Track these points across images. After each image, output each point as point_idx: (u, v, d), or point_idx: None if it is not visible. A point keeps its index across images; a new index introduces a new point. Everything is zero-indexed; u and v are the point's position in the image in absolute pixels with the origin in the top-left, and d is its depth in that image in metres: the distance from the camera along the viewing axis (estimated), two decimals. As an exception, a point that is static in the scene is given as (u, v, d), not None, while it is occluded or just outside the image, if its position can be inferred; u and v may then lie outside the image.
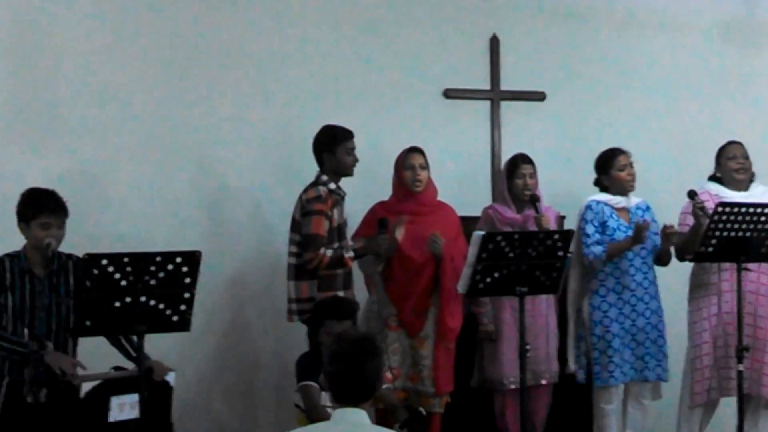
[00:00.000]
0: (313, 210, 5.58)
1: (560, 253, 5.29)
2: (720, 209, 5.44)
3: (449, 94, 6.69)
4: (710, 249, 5.52)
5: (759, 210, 5.46)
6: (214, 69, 6.23)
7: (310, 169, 5.76)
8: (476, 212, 6.16)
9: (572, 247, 5.72)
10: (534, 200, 5.92)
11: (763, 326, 5.89)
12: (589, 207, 6.00)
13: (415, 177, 5.85)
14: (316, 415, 4.96)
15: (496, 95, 6.79)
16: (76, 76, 5.98)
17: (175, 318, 4.51)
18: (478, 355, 6.08)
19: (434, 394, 5.80)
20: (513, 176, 6.03)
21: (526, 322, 5.30)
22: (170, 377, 4.77)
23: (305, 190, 5.66)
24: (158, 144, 6.11)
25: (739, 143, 6.07)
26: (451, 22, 6.74)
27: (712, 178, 6.08)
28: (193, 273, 4.49)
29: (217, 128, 6.23)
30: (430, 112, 6.65)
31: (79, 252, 4.78)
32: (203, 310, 5.36)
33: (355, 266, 5.83)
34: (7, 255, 4.86)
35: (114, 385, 4.60)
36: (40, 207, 4.81)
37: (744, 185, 6.00)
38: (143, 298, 4.39)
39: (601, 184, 6.10)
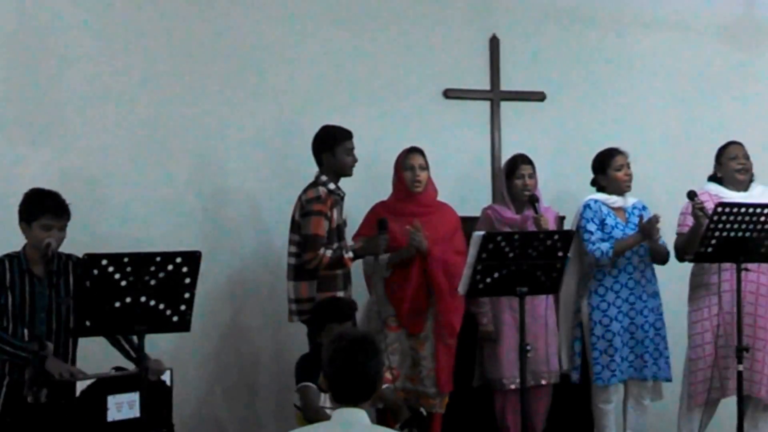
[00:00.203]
0: (312, 210, 5.58)
1: (560, 253, 5.30)
2: (719, 209, 5.44)
3: (449, 94, 6.69)
4: (710, 249, 5.52)
5: (758, 210, 5.46)
6: (213, 69, 6.23)
7: (309, 170, 5.76)
8: (476, 212, 6.17)
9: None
10: (533, 200, 5.93)
11: (763, 326, 5.89)
12: (587, 206, 6.01)
13: (415, 177, 5.85)
14: (312, 416, 4.96)
15: (496, 95, 6.79)
16: (77, 76, 5.98)
17: (175, 318, 4.50)
18: (478, 355, 6.08)
19: (434, 394, 5.80)
20: (512, 176, 6.03)
21: (526, 323, 5.30)
22: (166, 375, 4.76)
23: (305, 191, 5.66)
24: (158, 144, 6.11)
25: (740, 143, 6.07)
26: (451, 22, 6.74)
27: (712, 179, 6.09)
28: (193, 273, 4.49)
29: (217, 129, 6.23)
30: (430, 113, 6.65)
31: (79, 252, 4.78)
32: (203, 310, 5.36)
33: (355, 266, 5.83)
34: (7, 255, 4.86)
35: (111, 384, 4.59)
36: (43, 208, 4.81)
37: (744, 185, 6.00)
38: (143, 299, 4.39)
39: (598, 184, 6.11)
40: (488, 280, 5.21)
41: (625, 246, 5.91)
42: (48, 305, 4.81)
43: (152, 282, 4.40)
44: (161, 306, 4.45)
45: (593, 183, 6.15)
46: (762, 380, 5.87)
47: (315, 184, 5.68)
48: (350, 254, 5.66)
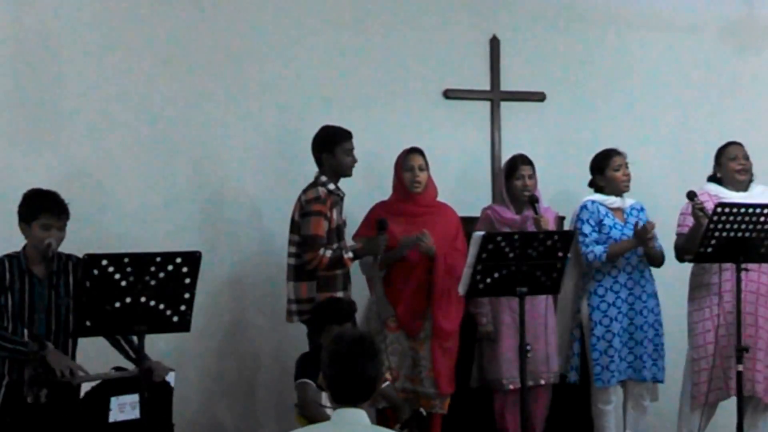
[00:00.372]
0: (312, 211, 5.58)
1: (560, 254, 5.30)
2: (719, 210, 5.44)
3: (449, 94, 6.69)
4: (710, 249, 5.52)
5: (758, 210, 5.46)
6: (213, 70, 6.23)
7: (309, 170, 5.76)
8: (476, 212, 6.17)
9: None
10: (533, 201, 5.92)
11: (764, 326, 5.89)
12: (584, 207, 6.01)
13: (414, 178, 5.85)
14: (309, 412, 4.98)
15: (496, 96, 6.79)
16: (77, 77, 5.98)
17: (175, 318, 4.51)
18: (477, 355, 6.08)
19: (435, 395, 5.80)
20: (512, 177, 6.03)
21: (526, 323, 5.30)
22: (170, 377, 4.77)
23: (304, 191, 5.67)
24: (158, 145, 6.11)
25: (740, 144, 6.07)
26: (451, 22, 6.74)
27: (712, 179, 6.09)
28: (193, 273, 4.49)
29: (218, 130, 6.23)
30: (430, 113, 6.65)
31: (80, 252, 4.79)
32: (203, 310, 5.37)
33: (354, 266, 5.84)
34: (7, 255, 4.86)
35: (114, 385, 4.60)
36: (42, 208, 4.81)
37: (743, 186, 6.01)
38: (143, 299, 4.39)
39: (596, 185, 6.11)
40: (488, 280, 5.21)
41: (620, 250, 5.91)
42: (47, 306, 4.81)
43: (152, 282, 4.40)
44: (161, 306, 4.45)
45: (591, 184, 6.15)
46: (762, 380, 5.87)
47: (315, 184, 5.68)
48: (350, 254, 5.66)
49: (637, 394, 6.08)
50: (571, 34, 6.97)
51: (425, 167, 5.90)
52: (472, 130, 6.76)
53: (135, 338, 4.60)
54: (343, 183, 5.76)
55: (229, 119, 6.25)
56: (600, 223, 5.98)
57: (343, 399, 3.39)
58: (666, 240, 6.03)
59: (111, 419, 4.57)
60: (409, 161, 5.88)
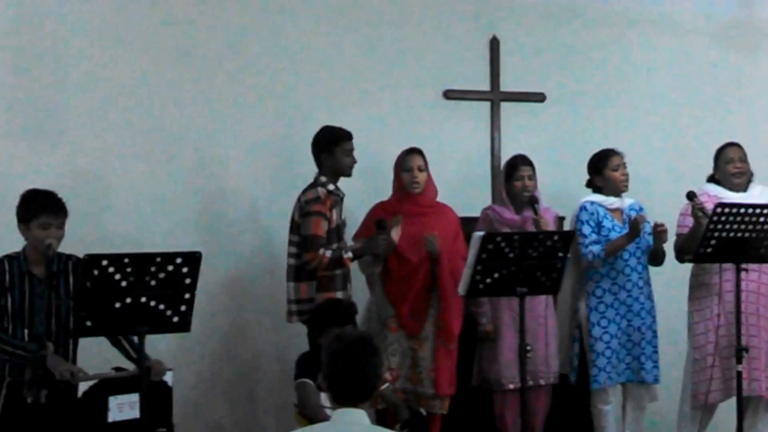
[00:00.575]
0: (311, 211, 5.58)
1: (560, 254, 5.30)
2: (719, 210, 5.44)
3: (449, 95, 6.70)
4: (709, 250, 5.52)
5: (758, 211, 5.47)
6: (213, 70, 6.24)
7: (309, 170, 5.77)
8: (476, 213, 6.17)
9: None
10: (533, 202, 5.93)
11: (764, 326, 5.90)
12: (583, 208, 6.01)
13: (413, 178, 5.86)
14: (309, 411, 4.98)
15: (496, 96, 6.79)
16: (77, 77, 5.98)
17: (175, 319, 4.51)
18: (477, 355, 6.09)
19: (434, 396, 5.80)
20: (512, 178, 6.03)
21: (526, 322, 5.30)
22: (168, 376, 4.77)
23: (304, 191, 5.67)
24: (158, 145, 6.12)
25: (737, 145, 6.06)
26: (451, 23, 6.75)
27: (711, 180, 6.09)
28: (194, 274, 4.50)
29: (217, 130, 6.24)
30: (430, 113, 6.66)
31: (80, 253, 4.80)
32: (203, 310, 5.36)
33: (354, 267, 5.84)
34: (7, 256, 4.86)
35: (113, 385, 4.60)
36: (40, 207, 4.81)
37: (742, 186, 6.01)
38: (143, 299, 4.40)
39: (594, 185, 6.11)
40: (488, 280, 5.22)
41: (616, 247, 5.91)
42: (48, 306, 4.81)
43: (153, 282, 4.40)
44: (161, 306, 4.45)
45: (589, 184, 6.14)
46: (763, 380, 5.88)
47: (314, 184, 5.68)
48: (349, 254, 5.67)
49: (637, 395, 6.08)
50: (571, 35, 6.98)
51: (424, 167, 5.90)
52: (472, 131, 6.77)
53: (135, 338, 4.60)
54: (343, 183, 5.77)
55: (229, 119, 6.26)
56: (599, 225, 5.98)
57: (343, 399, 3.39)
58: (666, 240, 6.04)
59: (110, 419, 4.57)
60: (408, 161, 5.89)
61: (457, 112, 6.72)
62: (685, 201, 5.82)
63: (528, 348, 5.26)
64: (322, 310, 5.32)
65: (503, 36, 6.82)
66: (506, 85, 6.81)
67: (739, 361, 5.51)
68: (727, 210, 5.44)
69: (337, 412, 3.40)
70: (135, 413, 4.54)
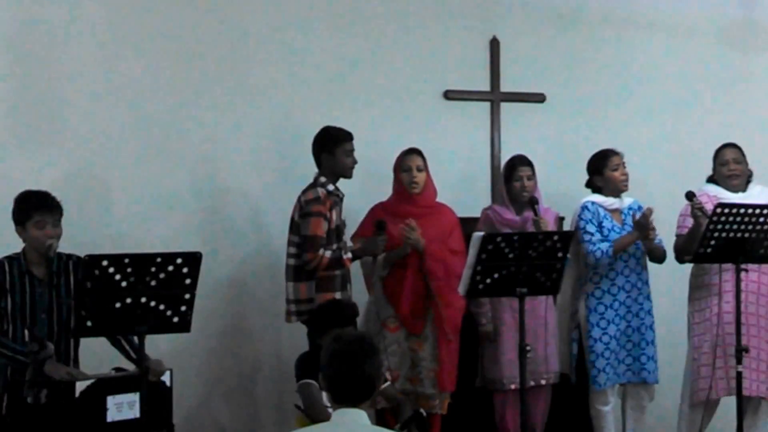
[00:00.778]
0: (311, 211, 5.58)
1: (560, 254, 5.31)
2: (719, 210, 5.45)
3: (449, 95, 6.70)
4: (709, 250, 5.52)
5: (758, 211, 5.47)
6: (214, 71, 6.24)
7: (309, 170, 5.77)
8: (476, 213, 6.17)
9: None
10: (533, 203, 5.93)
11: (764, 326, 5.90)
12: (585, 208, 6.01)
13: (412, 179, 5.86)
14: (315, 413, 4.96)
15: (496, 97, 6.80)
16: (77, 78, 5.98)
17: (175, 319, 4.51)
18: (480, 355, 6.08)
19: (434, 395, 5.80)
20: (511, 178, 6.03)
21: (526, 322, 5.31)
22: (166, 376, 4.77)
23: (304, 192, 5.67)
24: (158, 146, 6.12)
25: (733, 146, 6.05)
26: (451, 23, 6.75)
27: (711, 180, 6.10)
28: (194, 274, 4.50)
29: (217, 130, 6.24)
30: (430, 114, 6.66)
31: (81, 253, 4.81)
32: (203, 311, 5.36)
33: (353, 267, 5.84)
34: (7, 257, 4.87)
35: (111, 384, 4.60)
36: (33, 206, 4.82)
37: (741, 187, 6.01)
38: (144, 299, 4.40)
39: (594, 185, 6.11)
40: (488, 281, 5.22)
41: (623, 244, 5.91)
42: (49, 306, 4.82)
43: (153, 283, 4.41)
44: (162, 307, 4.46)
45: (589, 185, 6.15)
46: (763, 380, 5.88)
47: (314, 185, 5.68)
48: (349, 255, 5.67)
49: (636, 396, 6.09)
50: (571, 36, 6.98)
51: (423, 168, 5.90)
52: (472, 131, 6.77)
53: (135, 338, 4.61)
54: (343, 184, 5.77)
55: (229, 120, 6.26)
56: (599, 225, 5.98)
57: (343, 399, 3.39)
58: (665, 240, 6.04)
59: (109, 419, 4.57)
60: (407, 162, 5.89)
61: (457, 112, 6.73)
62: (685, 201, 5.83)
63: (528, 348, 5.26)
64: (323, 311, 5.31)
65: (503, 36, 6.82)
66: (506, 85, 6.81)
67: (739, 362, 5.52)
68: (726, 210, 5.44)
69: (337, 413, 3.40)
70: (134, 413, 4.54)
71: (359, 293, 5.90)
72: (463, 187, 6.62)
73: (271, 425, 6.27)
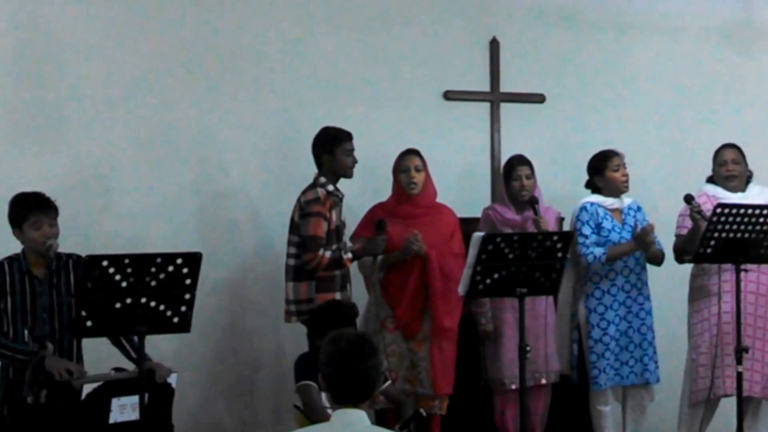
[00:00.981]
0: (311, 212, 5.58)
1: (560, 255, 5.31)
2: (719, 210, 5.45)
3: (449, 95, 6.70)
4: (709, 250, 5.53)
5: (758, 211, 5.47)
6: (213, 71, 6.24)
7: (309, 171, 5.77)
8: (476, 213, 6.18)
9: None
10: (533, 202, 5.93)
11: (763, 326, 5.90)
12: (583, 208, 6.01)
13: (410, 179, 5.86)
14: (315, 414, 4.96)
15: (495, 97, 6.80)
16: (77, 78, 5.98)
17: (175, 319, 4.52)
18: (482, 355, 6.08)
19: (433, 396, 5.80)
20: (510, 178, 6.04)
21: (526, 322, 5.31)
22: (172, 379, 4.78)
23: (304, 192, 5.67)
24: (158, 146, 6.12)
25: (732, 146, 6.05)
26: (451, 24, 6.75)
27: (711, 180, 6.10)
28: (194, 274, 4.50)
29: (217, 130, 6.24)
30: (430, 114, 6.67)
31: (81, 253, 4.82)
32: (203, 311, 5.37)
33: (353, 267, 5.84)
34: (7, 258, 4.87)
35: (115, 386, 4.60)
36: (28, 207, 4.82)
37: (740, 187, 6.01)
38: (144, 300, 4.40)
39: (594, 186, 6.11)
40: (488, 281, 5.22)
41: (619, 253, 5.91)
42: (50, 305, 4.82)
43: (153, 283, 4.41)
44: (162, 307, 4.46)
45: (589, 185, 6.15)
46: (762, 380, 5.89)
47: (314, 185, 5.68)
48: (349, 255, 5.67)
49: (637, 396, 6.09)
50: (571, 36, 6.98)
51: (422, 168, 5.90)
52: (471, 132, 6.78)
53: (136, 338, 4.61)
54: (343, 184, 5.77)
55: (229, 120, 6.26)
56: (599, 225, 5.98)
57: (343, 399, 3.39)
58: (665, 241, 6.04)
59: (111, 420, 4.57)
60: (405, 162, 5.89)
61: (457, 113, 6.73)
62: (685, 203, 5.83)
63: (528, 349, 5.26)
64: (323, 311, 5.31)
65: (503, 37, 6.82)
66: (506, 86, 6.81)
67: (739, 362, 5.52)
68: (726, 211, 5.45)
69: (337, 413, 3.40)
70: (136, 415, 4.53)
71: (359, 293, 5.91)
72: (463, 188, 6.62)
73: (271, 425, 6.27)
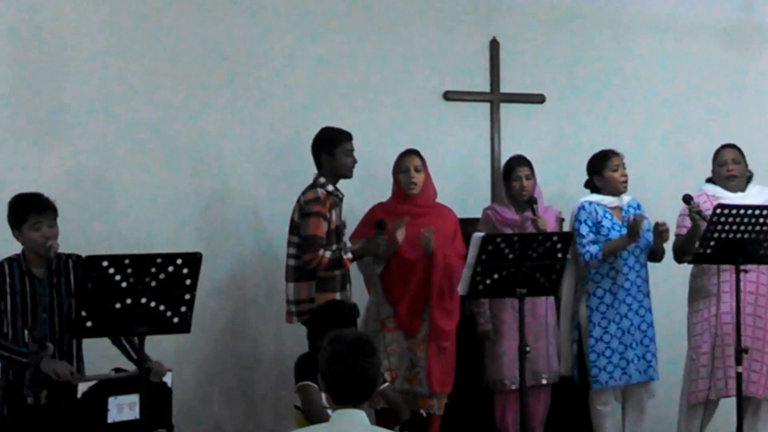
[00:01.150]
0: (311, 212, 5.58)
1: (560, 255, 5.31)
2: (719, 211, 5.45)
3: (449, 96, 6.70)
4: (709, 251, 5.53)
5: (757, 212, 5.47)
6: (213, 71, 6.24)
7: (309, 171, 5.77)
8: (476, 214, 6.18)
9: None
10: (532, 203, 5.94)
11: (763, 326, 5.90)
12: (582, 207, 6.02)
13: (410, 179, 5.86)
14: (315, 415, 4.96)
15: (495, 98, 6.80)
16: (78, 79, 5.98)
17: (175, 319, 4.52)
18: (483, 355, 6.08)
19: (431, 396, 5.80)
20: (510, 179, 6.04)
21: (527, 322, 5.31)
22: (167, 378, 4.78)
23: (304, 192, 5.67)
24: (159, 147, 6.12)
25: (732, 147, 6.05)
26: (451, 24, 6.75)
27: (711, 180, 6.10)
28: (194, 274, 4.50)
29: (218, 131, 6.24)
30: (430, 114, 6.67)
31: (80, 253, 4.82)
32: (203, 311, 5.37)
33: (353, 267, 5.85)
34: (7, 259, 4.88)
35: (112, 385, 4.61)
36: (27, 209, 4.83)
37: (741, 187, 6.01)
38: (144, 300, 4.40)
39: (593, 186, 6.11)
40: (488, 281, 5.23)
41: (614, 248, 5.91)
42: (50, 305, 4.82)
43: (153, 283, 4.41)
44: (162, 307, 4.46)
45: (588, 185, 6.15)
46: (762, 381, 5.88)
47: (314, 185, 5.68)
48: (349, 255, 5.67)
49: (637, 395, 6.09)
50: (571, 37, 6.98)
51: (422, 168, 5.90)
52: (471, 132, 6.78)
53: (136, 339, 4.61)
54: (343, 184, 5.77)
55: (229, 120, 6.26)
56: (598, 224, 5.98)
57: (343, 399, 3.39)
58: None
59: (109, 420, 4.57)
60: (405, 163, 5.89)
61: (457, 113, 6.73)
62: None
63: (528, 349, 5.27)
64: (324, 312, 5.31)
65: (503, 37, 6.83)
66: (506, 86, 6.81)
67: (739, 362, 5.52)
68: (726, 211, 5.45)
69: (337, 413, 3.40)
70: (134, 414, 4.54)
71: (359, 293, 5.91)
72: (463, 188, 6.62)
73: (271, 425, 6.27)
